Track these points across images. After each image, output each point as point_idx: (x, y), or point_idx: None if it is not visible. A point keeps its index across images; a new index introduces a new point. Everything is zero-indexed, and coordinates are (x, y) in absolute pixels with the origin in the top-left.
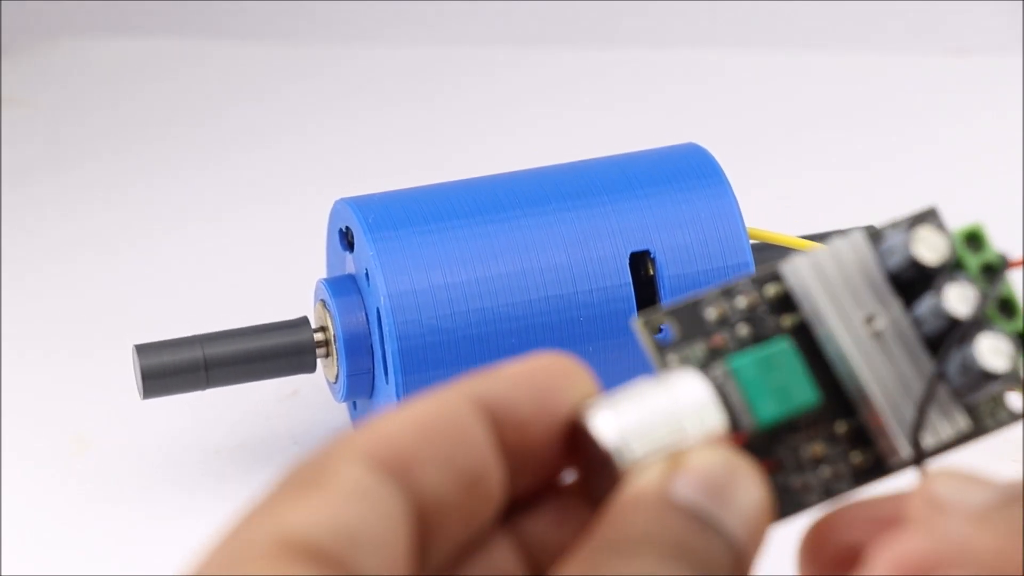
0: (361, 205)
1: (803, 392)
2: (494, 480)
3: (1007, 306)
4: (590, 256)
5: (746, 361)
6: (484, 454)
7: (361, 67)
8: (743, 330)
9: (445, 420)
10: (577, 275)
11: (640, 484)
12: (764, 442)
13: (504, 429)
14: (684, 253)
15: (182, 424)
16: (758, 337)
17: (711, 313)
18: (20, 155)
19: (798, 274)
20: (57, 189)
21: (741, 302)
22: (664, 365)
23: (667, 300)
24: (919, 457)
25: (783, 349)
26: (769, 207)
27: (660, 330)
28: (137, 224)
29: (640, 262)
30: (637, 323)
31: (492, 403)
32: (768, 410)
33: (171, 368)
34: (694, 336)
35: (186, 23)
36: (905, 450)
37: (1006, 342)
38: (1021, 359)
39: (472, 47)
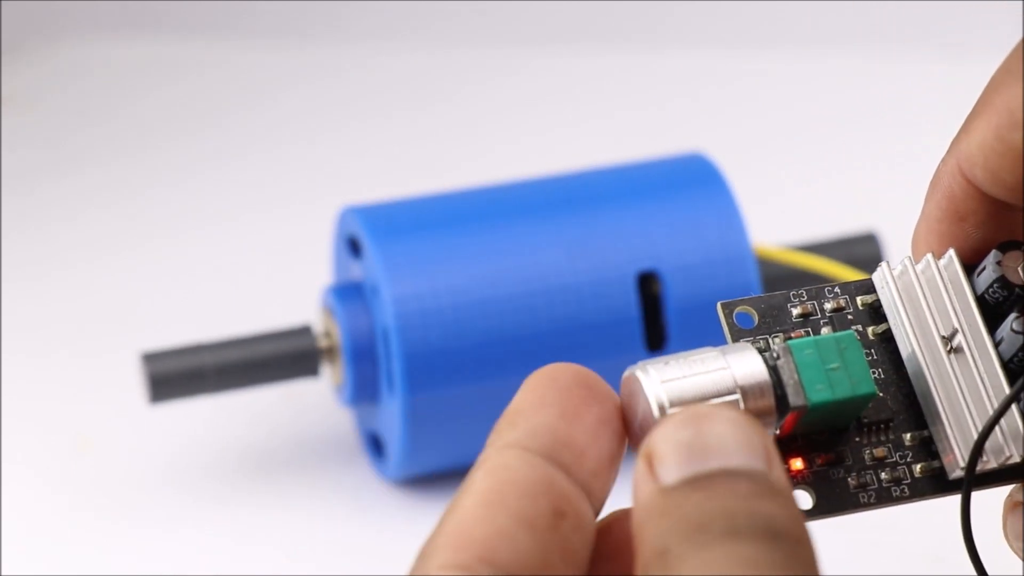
0: (369, 215)
1: (860, 382)
2: (583, 508)
3: None
4: (597, 277)
5: (807, 341)
6: (568, 490)
7: (366, 72)
8: (826, 330)
9: (519, 488)
10: (584, 295)
11: (636, 499)
12: (826, 438)
13: (571, 464)
14: (689, 273)
15: (184, 427)
16: None
17: (795, 309)
18: (22, 157)
19: (886, 287)
20: (59, 192)
21: (829, 304)
22: None
23: (673, 318)
24: (972, 477)
25: (847, 337)
26: (774, 211)
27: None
28: (140, 228)
29: (647, 279)
30: (718, 306)
31: (547, 450)
32: (820, 393)
33: (177, 375)
34: (774, 328)
35: (190, 26)
36: (960, 467)
37: None
38: None
39: (479, 51)
